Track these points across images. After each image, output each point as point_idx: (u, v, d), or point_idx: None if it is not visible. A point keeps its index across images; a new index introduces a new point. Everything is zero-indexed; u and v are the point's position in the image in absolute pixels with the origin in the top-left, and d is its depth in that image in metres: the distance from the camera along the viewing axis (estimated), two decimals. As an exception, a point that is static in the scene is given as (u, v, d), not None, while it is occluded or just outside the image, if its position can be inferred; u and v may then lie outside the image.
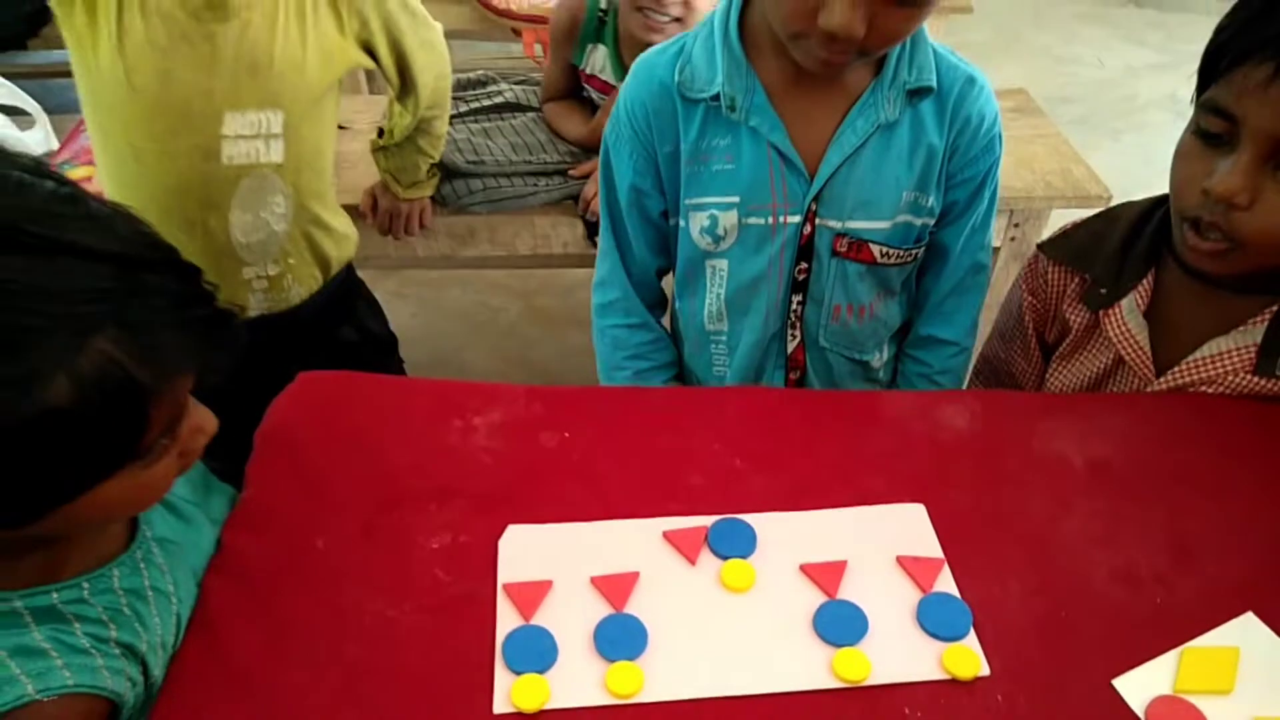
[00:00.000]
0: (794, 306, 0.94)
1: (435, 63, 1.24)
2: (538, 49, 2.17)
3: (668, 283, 1.05)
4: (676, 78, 0.86)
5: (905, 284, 0.97)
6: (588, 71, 1.52)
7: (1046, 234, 1.56)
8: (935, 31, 2.15)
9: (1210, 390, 0.86)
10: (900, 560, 0.72)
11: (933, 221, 0.90)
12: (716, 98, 0.84)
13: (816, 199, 0.87)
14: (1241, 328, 0.83)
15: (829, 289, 0.92)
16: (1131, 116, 3.47)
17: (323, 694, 0.63)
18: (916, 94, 0.84)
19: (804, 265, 0.91)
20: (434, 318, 2.37)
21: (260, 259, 1.15)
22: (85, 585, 0.61)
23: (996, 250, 1.57)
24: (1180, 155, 0.78)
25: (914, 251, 0.92)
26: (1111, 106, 3.38)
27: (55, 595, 0.59)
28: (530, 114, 1.61)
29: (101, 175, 1.12)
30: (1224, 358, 0.84)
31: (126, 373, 0.51)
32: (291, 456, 0.78)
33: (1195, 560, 0.72)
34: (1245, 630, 0.67)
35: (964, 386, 1.04)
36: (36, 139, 1.61)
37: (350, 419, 0.82)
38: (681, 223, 0.92)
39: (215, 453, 0.76)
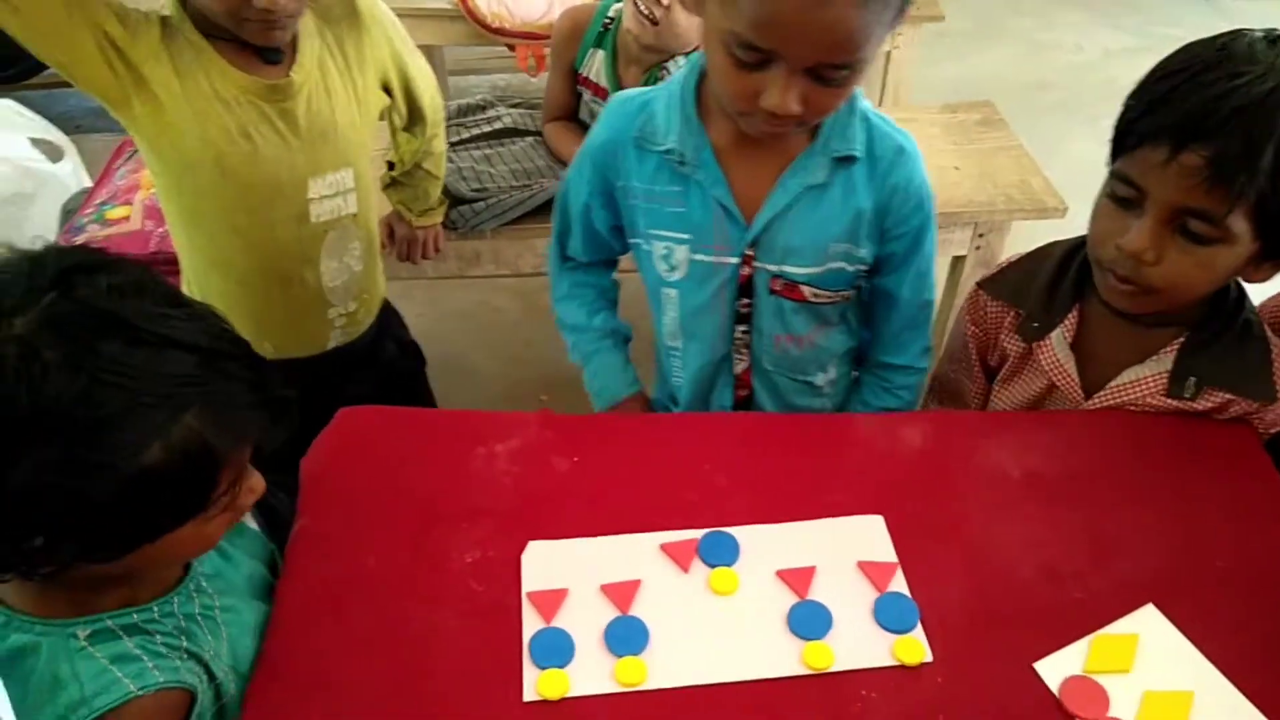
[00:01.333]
0: (739, 334, 1.07)
1: (430, 84, 1.36)
2: (530, 62, 2.28)
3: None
4: (636, 131, 0.99)
5: (844, 316, 1.09)
6: (585, 74, 1.63)
7: (1008, 242, 1.69)
8: (914, 37, 2.25)
9: (1133, 410, 0.98)
10: (860, 565, 0.85)
11: (865, 268, 1.03)
12: (670, 151, 0.97)
13: (753, 245, 0.99)
14: (1154, 357, 0.96)
15: (767, 321, 1.05)
16: (1110, 101, 3.48)
17: (380, 688, 0.76)
18: (844, 160, 0.96)
19: (746, 300, 1.04)
20: (439, 319, 2.48)
21: (344, 299, 1.28)
22: (155, 609, 0.73)
23: (963, 259, 1.70)
24: (1098, 214, 0.90)
25: (845, 292, 1.04)
26: (1090, 91, 3.47)
27: (135, 616, 0.72)
28: (529, 139, 1.72)
29: (189, 249, 1.22)
30: (1141, 384, 0.97)
31: (206, 442, 0.63)
32: (338, 486, 0.91)
33: (1108, 559, 0.85)
34: (1145, 620, 0.80)
35: (920, 399, 1.17)
36: (66, 170, 1.72)
37: (386, 450, 0.95)
38: (645, 246, 1.05)
39: (291, 468, 0.89)
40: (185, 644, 0.73)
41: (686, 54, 1.54)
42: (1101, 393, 0.98)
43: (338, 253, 1.24)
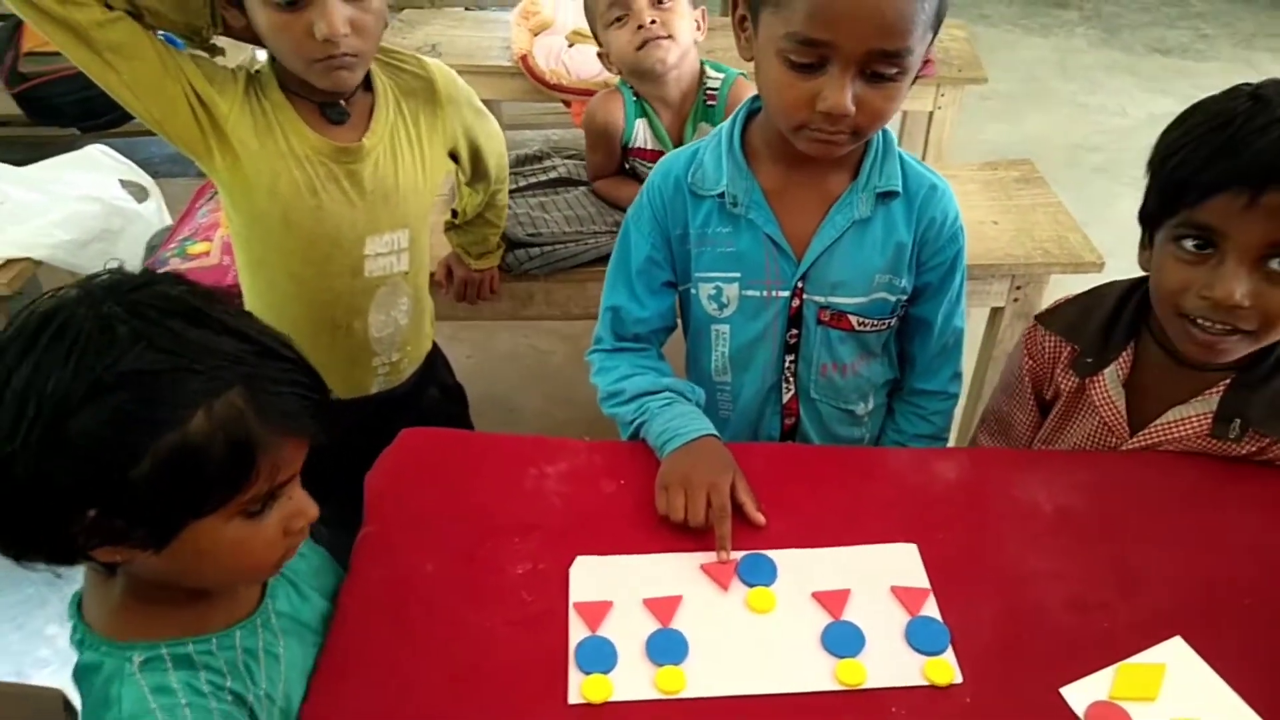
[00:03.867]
0: (787, 364, 1.13)
1: (497, 147, 1.44)
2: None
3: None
4: (689, 178, 1.06)
5: (885, 347, 1.15)
6: (636, 146, 1.70)
7: (1046, 295, 1.72)
8: (956, 98, 2.32)
9: (1174, 449, 1.01)
10: (894, 589, 0.88)
11: (905, 298, 1.09)
12: (722, 195, 1.04)
13: (803, 279, 1.06)
14: (1200, 397, 0.99)
15: (815, 351, 1.11)
16: (1153, 165, 3.60)
17: (435, 686, 0.81)
18: (885, 196, 1.03)
19: (795, 331, 1.10)
20: (486, 360, 2.56)
21: (387, 349, 1.35)
22: (214, 641, 0.77)
23: (1001, 310, 1.73)
24: (1166, 268, 0.91)
25: (888, 321, 1.10)
26: (1134, 154, 3.44)
27: (191, 647, 0.74)
28: (581, 188, 1.80)
29: (251, 291, 1.29)
30: (1185, 423, 0.99)
31: (245, 422, 0.68)
32: (401, 500, 0.97)
33: (1137, 593, 0.88)
34: (1173, 651, 0.82)
35: (953, 426, 1.21)
36: (151, 210, 1.84)
37: (446, 468, 1.01)
38: (692, 290, 1.11)
39: (330, 501, 0.94)
40: (230, 684, 0.76)
41: (712, 70, 1.62)
42: (1145, 430, 1.01)
43: (386, 307, 1.31)
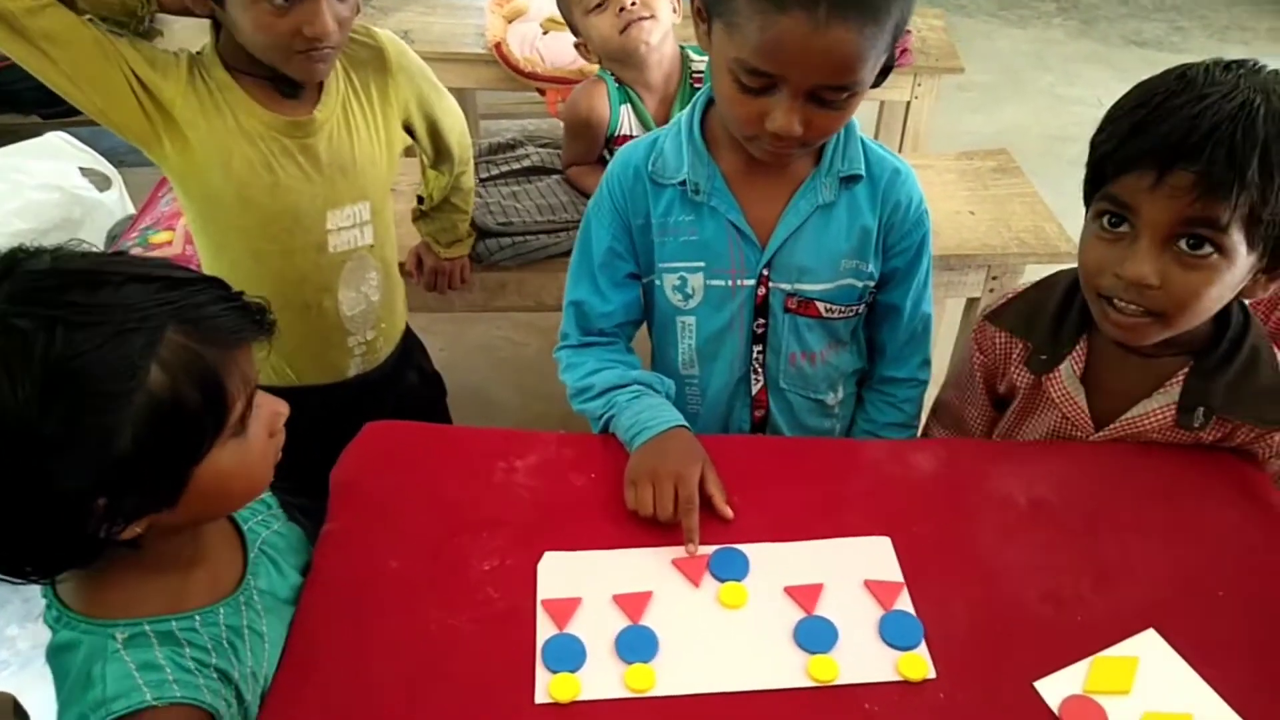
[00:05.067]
0: (755, 355, 1.11)
1: (457, 125, 1.42)
2: (560, 106, 2.35)
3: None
4: (649, 166, 1.04)
5: (854, 334, 1.14)
6: (621, 134, 1.68)
7: (1021, 285, 1.71)
8: (933, 87, 2.31)
9: (1141, 441, 1.00)
10: (867, 583, 0.87)
11: (873, 284, 1.08)
12: (683, 183, 1.02)
13: (768, 266, 1.04)
14: (1162, 389, 0.98)
15: (784, 339, 1.09)
16: (1129, 156, 3.61)
17: (397, 685, 0.79)
18: (849, 180, 1.02)
19: (762, 321, 1.08)
20: (460, 353, 2.53)
21: (361, 328, 1.33)
22: (197, 618, 0.75)
23: (977, 300, 1.73)
24: (1087, 247, 0.92)
25: (856, 307, 1.09)
26: (1109, 146, 3.53)
27: (174, 624, 0.74)
28: (554, 176, 1.77)
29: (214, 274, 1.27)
30: (1150, 416, 0.99)
31: (198, 354, 0.66)
32: (365, 494, 0.95)
33: (1111, 585, 0.87)
34: (1146, 644, 0.82)
35: (922, 414, 1.20)
36: (113, 199, 1.80)
37: (411, 462, 0.99)
38: (657, 282, 1.09)
39: (311, 492, 0.92)
40: (216, 661, 0.74)
41: (694, 54, 1.61)
42: (1111, 426, 1.00)
43: (355, 282, 1.29)
